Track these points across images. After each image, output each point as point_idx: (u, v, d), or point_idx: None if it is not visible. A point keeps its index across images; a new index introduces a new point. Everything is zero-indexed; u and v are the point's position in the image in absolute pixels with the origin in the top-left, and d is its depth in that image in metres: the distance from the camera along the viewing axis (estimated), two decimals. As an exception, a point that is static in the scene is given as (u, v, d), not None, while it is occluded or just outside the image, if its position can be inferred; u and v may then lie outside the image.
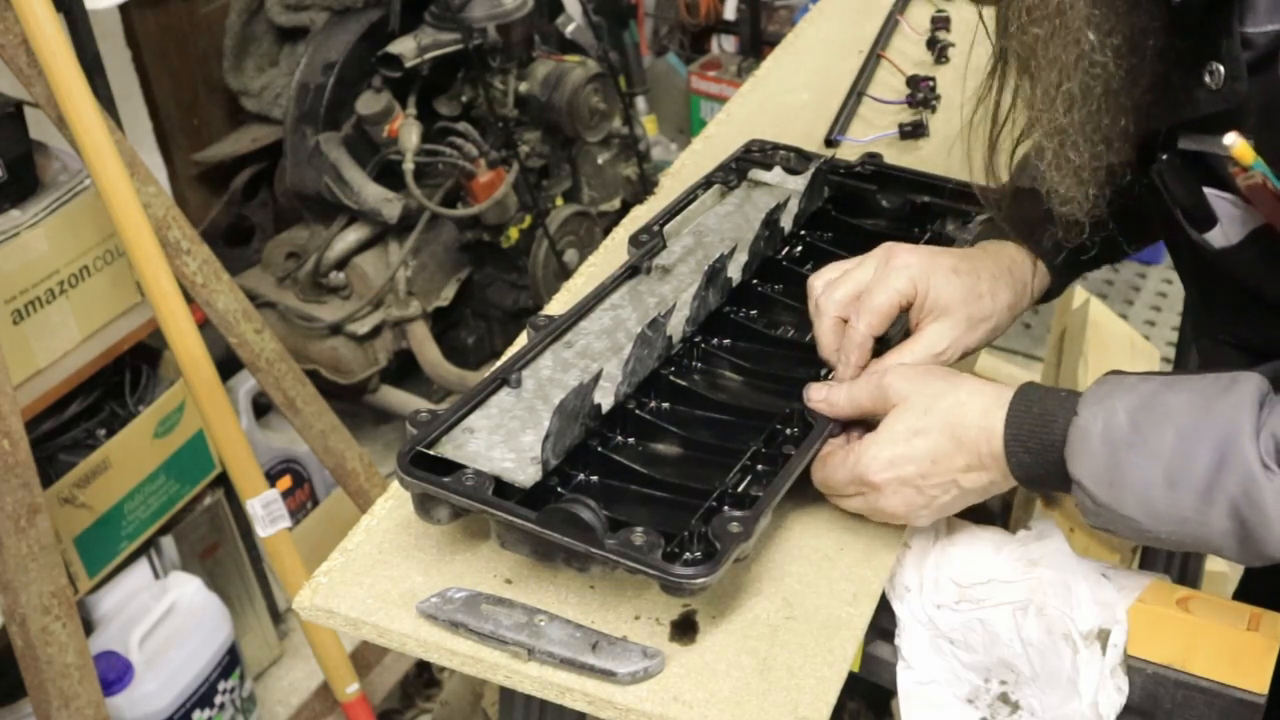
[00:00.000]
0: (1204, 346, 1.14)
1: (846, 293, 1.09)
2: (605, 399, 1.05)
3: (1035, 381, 0.97)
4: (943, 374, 1.01)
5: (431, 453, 0.98)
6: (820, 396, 1.05)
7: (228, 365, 2.12)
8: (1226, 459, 0.84)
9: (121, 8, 2.51)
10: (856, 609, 0.95)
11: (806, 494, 1.05)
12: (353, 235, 2.68)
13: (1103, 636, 0.94)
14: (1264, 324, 1.02)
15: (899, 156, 1.48)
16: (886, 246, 1.11)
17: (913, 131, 1.55)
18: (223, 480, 2.26)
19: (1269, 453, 0.83)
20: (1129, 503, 0.88)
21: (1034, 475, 0.94)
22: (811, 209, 1.36)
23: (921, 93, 1.60)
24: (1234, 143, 0.84)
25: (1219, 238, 0.96)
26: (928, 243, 1.31)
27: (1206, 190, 0.94)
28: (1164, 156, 0.96)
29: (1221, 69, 0.87)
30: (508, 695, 1.03)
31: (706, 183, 1.37)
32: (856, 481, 0.99)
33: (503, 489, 0.96)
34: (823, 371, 1.12)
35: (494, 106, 2.67)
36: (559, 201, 2.90)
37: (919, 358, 1.06)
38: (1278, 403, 0.86)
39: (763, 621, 0.94)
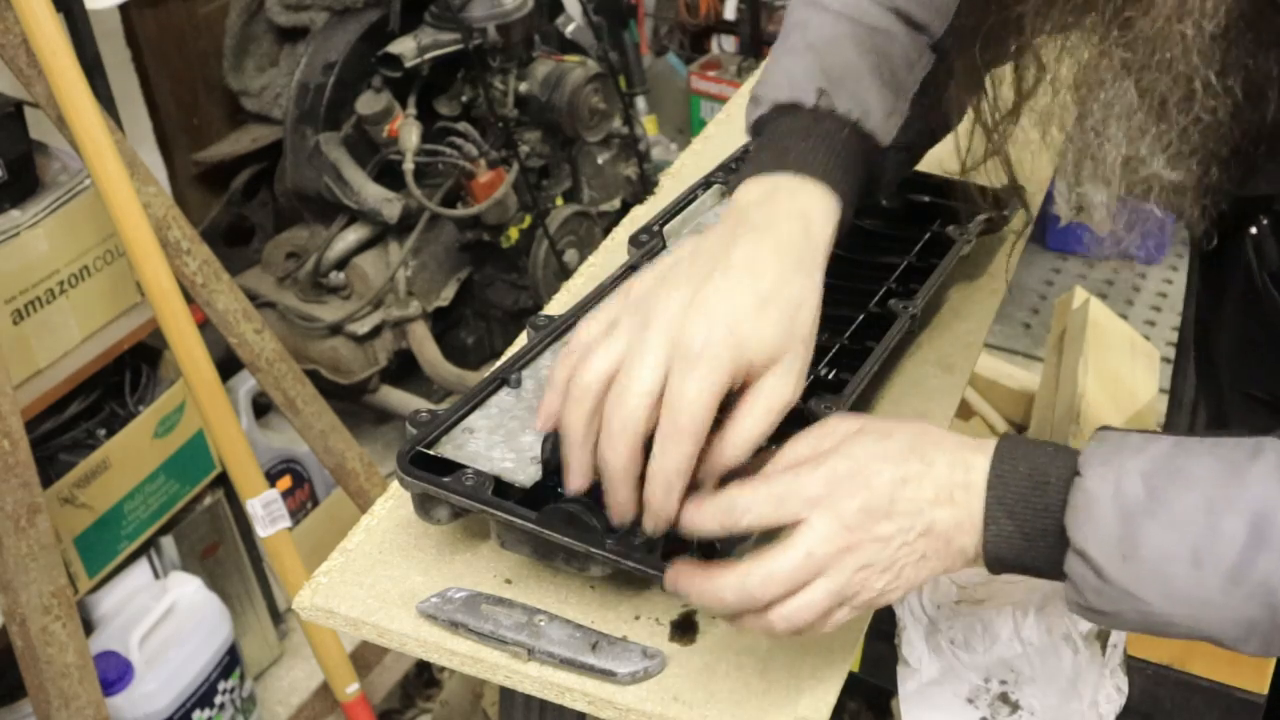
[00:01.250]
0: (1233, 399, 1.03)
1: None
2: (605, 399, 1.05)
3: (1014, 435, 0.81)
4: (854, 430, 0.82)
5: (431, 453, 0.98)
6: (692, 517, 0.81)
7: (228, 365, 2.12)
8: (1264, 537, 0.71)
9: (121, 8, 2.51)
10: (856, 609, 0.95)
11: (806, 494, 1.05)
12: (353, 235, 2.68)
13: (1103, 636, 0.95)
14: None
15: (899, 156, 1.48)
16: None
17: (913, 131, 1.54)
18: (223, 480, 2.26)
19: None
20: (1145, 581, 0.74)
21: (1012, 549, 0.78)
22: (811, 209, 1.35)
23: (921, 93, 1.60)
24: None
25: None
26: (927, 243, 1.31)
27: None
28: (1265, 221, 0.89)
29: None
30: (508, 695, 1.03)
31: (706, 183, 1.37)
32: (743, 598, 0.78)
33: (503, 489, 0.95)
34: (820, 371, 1.12)
35: (494, 106, 2.67)
36: (559, 201, 2.90)
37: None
38: None
39: (763, 621, 0.94)
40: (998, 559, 0.79)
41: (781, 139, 0.90)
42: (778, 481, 0.79)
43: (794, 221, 0.87)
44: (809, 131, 0.90)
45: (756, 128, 0.94)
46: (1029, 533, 0.78)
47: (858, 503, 0.77)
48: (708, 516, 0.80)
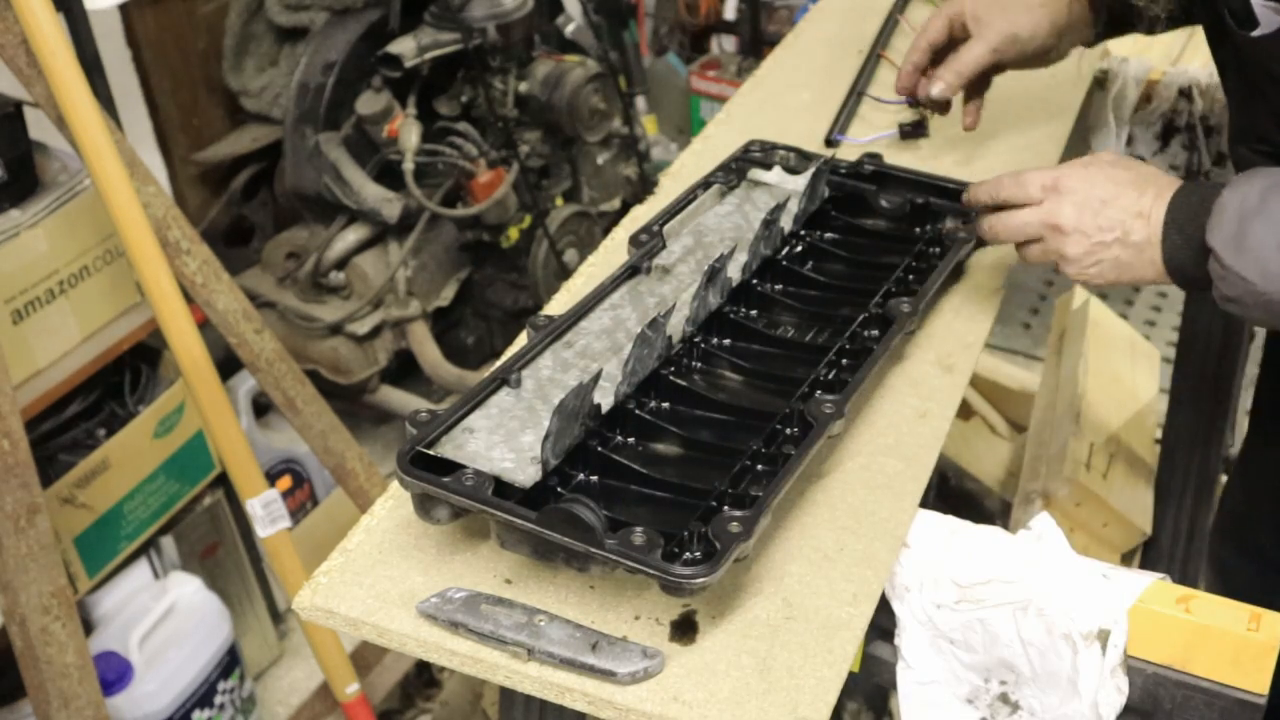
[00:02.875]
0: (1240, 154, 1.23)
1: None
2: (605, 399, 1.05)
3: (1205, 184, 1.10)
4: (1117, 160, 1.15)
5: (431, 453, 0.98)
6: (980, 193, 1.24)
7: (228, 365, 2.12)
8: None
9: (121, 8, 2.51)
10: (856, 609, 0.95)
11: (806, 494, 1.05)
12: (353, 235, 2.68)
13: (1103, 636, 0.94)
14: None
15: (899, 156, 1.48)
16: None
17: (913, 131, 1.55)
18: (223, 480, 2.26)
19: None
20: (1249, 265, 1.01)
21: (1180, 256, 1.08)
22: (811, 209, 1.36)
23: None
24: None
25: (1259, 31, 1.08)
26: (927, 243, 1.31)
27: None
28: None
29: None
30: (508, 695, 1.03)
31: (706, 183, 1.37)
32: (1046, 223, 1.15)
33: (503, 489, 0.96)
34: (821, 372, 1.12)
35: (494, 106, 2.67)
36: (559, 201, 2.90)
37: (990, 40, 1.34)
38: None
39: (763, 621, 0.94)
40: (1177, 268, 1.10)
41: None
42: (1027, 176, 1.18)
43: None
44: None
45: None
46: (1191, 242, 1.07)
47: (1077, 198, 1.13)
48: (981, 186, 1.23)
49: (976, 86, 1.42)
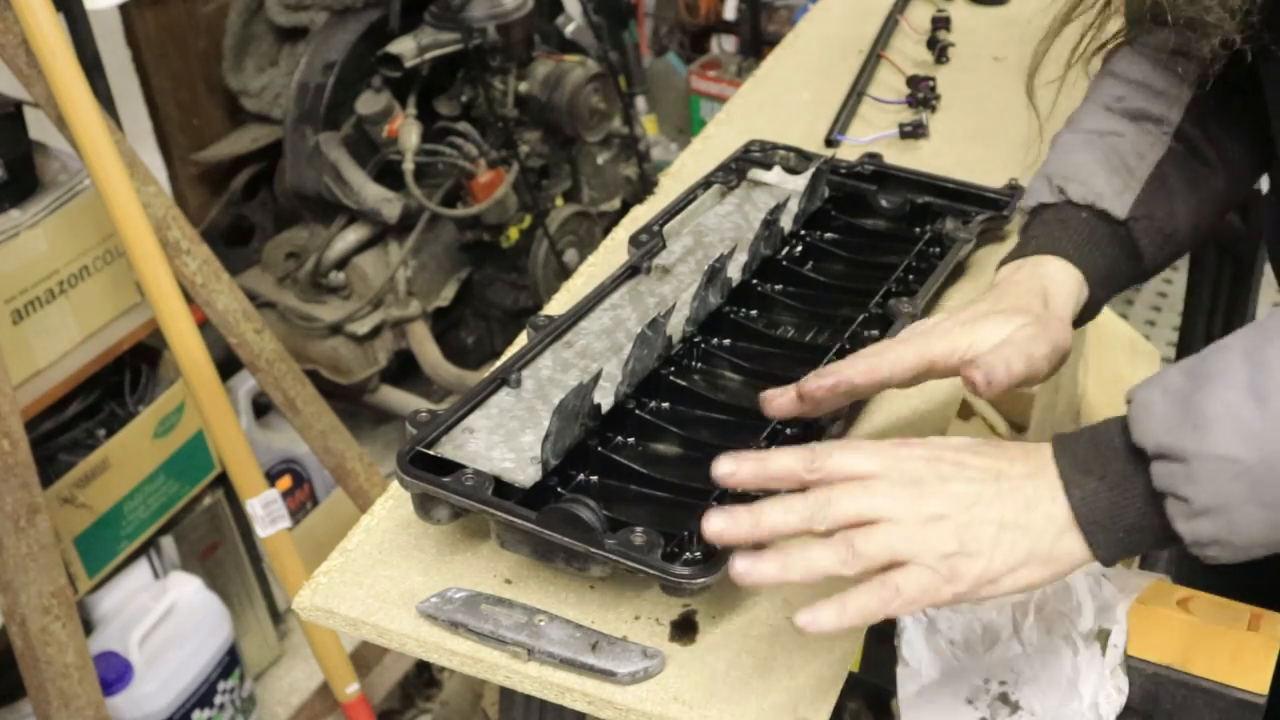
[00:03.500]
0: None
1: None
2: (605, 399, 1.05)
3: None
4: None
5: (431, 453, 0.98)
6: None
7: (228, 365, 2.11)
8: None
9: (121, 8, 2.51)
10: (856, 609, 0.95)
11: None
12: (353, 235, 2.68)
13: (1103, 636, 0.94)
14: None
15: (899, 156, 1.48)
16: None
17: (913, 131, 1.55)
18: (223, 480, 2.26)
19: None
20: (1221, 439, 0.74)
21: (1103, 505, 0.79)
22: (811, 209, 1.36)
23: (921, 93, 1.60)
24: None
25: None
26: (927, 243, 1.31)
27: None
28: None
29: None
30: (508, 695, 1.03)
31: (706, 183, 1.37)
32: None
33: (503, 489, 0.96)
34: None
35: (494, 106, 2.67)
36: (559, 201, 2.90)
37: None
38: None
39: (763, 621, 0.94)
40: (1095, 523, 0.79)
41: (1032, 229, 1.08)
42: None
43: (1034, 296, 1.00)
44: (1052, 220, 1.07)
45: (1024, 228, 1.11)
46: (1110, 478, 0.79)
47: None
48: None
49: None
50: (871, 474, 0.80)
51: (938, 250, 1.31)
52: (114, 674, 2.02)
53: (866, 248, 1.33)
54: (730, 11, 3.81)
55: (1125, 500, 0.79)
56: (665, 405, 1.11)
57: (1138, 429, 0.78)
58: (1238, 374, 0.75)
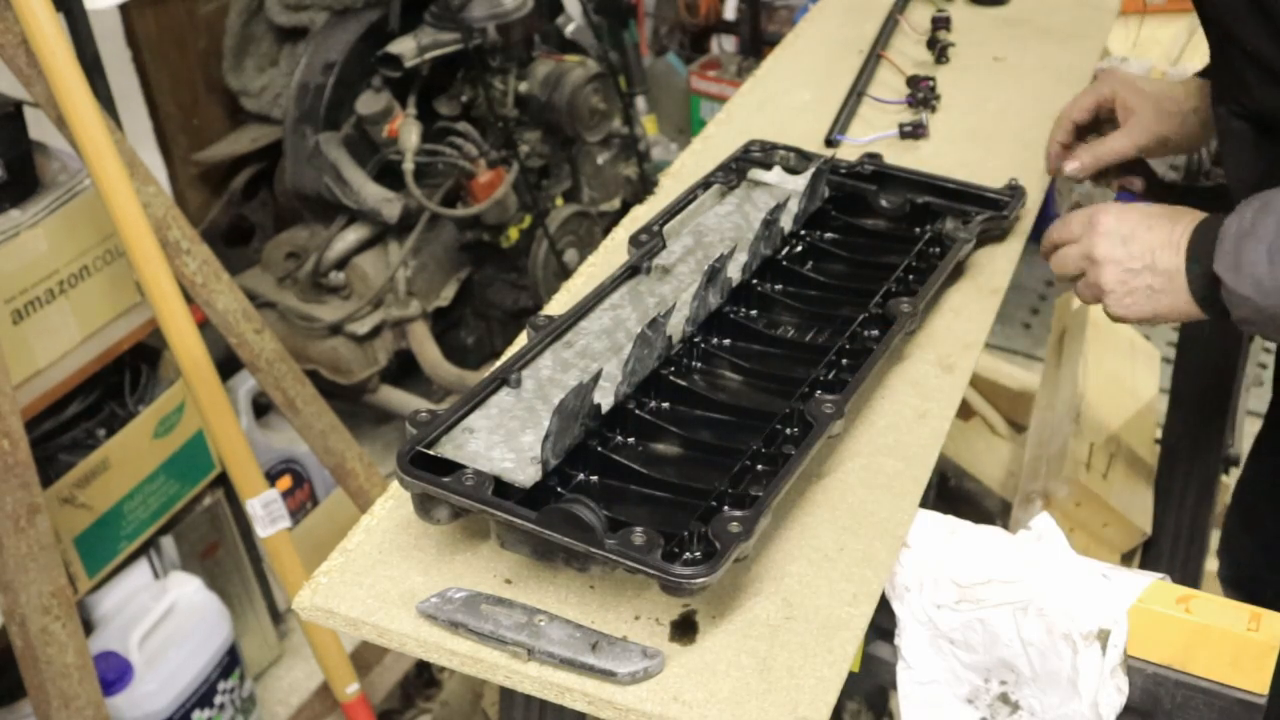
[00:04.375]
0: (1219, 114, 1.29)
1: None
2: (605, 399, 1.05)
3: (1215, 216, 1.15)
4: (1142, 212, 1.21)
5: (431, 453, 0.98)
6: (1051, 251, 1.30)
7: (228, 365, 2.11)
8: None
9: (121, 8, 2.51)
10: (856, 609, 0.95)
11: (806, 494, 1.05)
12: (353, 235, 2.68)
13: (1103, 636, 0.94)
14: (1262, 94, 1.19)
15: (899, 156, 1.48)
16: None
17: (913, 131, 1.55)
18: (223, 480, 2.26)
19: None
20: (1246, 283, 1.08)
21: (1202, 285, 1.14)
22: (811, 209, 1.36)
23: (921, 93, 1.60)
24: None
25: None
26: (927, 243, 1.32)
27: None
28: None
29: None
30: (508, 695, 1.03)
31: (706, 183, 1.37)
32: (1085, 257, 1.22)
33: (503, 489, 0.95)
34: (821, 372, 1.12)
35: (494, 106, 2.67)
36: (559, 201, 2.90)
37: (1138, 140, 1.38)
38: None
39: (763, 621, 0.94)
40: (1203, 298, 1.15)
41: None
42: (1070, 216, 1.27)
43: None
44: None
45: None
46: (1207, 272, 1.13)
47: (1109, 230, 1.21)
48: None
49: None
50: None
51: (938, 250, 1.31)
52: (114, 674, 2.02)
53: (866, 248, 1.34)
54: (730, 11, 3.81)
55: (1210, 287, 1.14)
56: (665, 405, 1.11)
57: (1216, 253, 1.11)
58: (1267, 236, 1.07)
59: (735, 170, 1.39)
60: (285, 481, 2.55)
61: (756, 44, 3.68)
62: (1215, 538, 2.25)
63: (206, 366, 1.84)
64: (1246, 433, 2.20)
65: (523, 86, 2.71)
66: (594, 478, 1.02)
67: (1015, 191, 1.38)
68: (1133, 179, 1.50)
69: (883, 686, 1.02)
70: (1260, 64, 1.17)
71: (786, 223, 1.31)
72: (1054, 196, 1.63)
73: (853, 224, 1.37)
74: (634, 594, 0.95)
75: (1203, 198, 1.48)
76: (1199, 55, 1.89)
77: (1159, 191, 1.53)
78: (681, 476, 1.01)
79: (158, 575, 2.21)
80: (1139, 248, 1.19)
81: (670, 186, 1.46)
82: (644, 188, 2.98)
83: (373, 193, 2.59)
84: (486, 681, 0.96)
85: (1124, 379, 2.29)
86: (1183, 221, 1.17)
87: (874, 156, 1.42)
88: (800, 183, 1.36)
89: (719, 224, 1.31)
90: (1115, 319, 1.23)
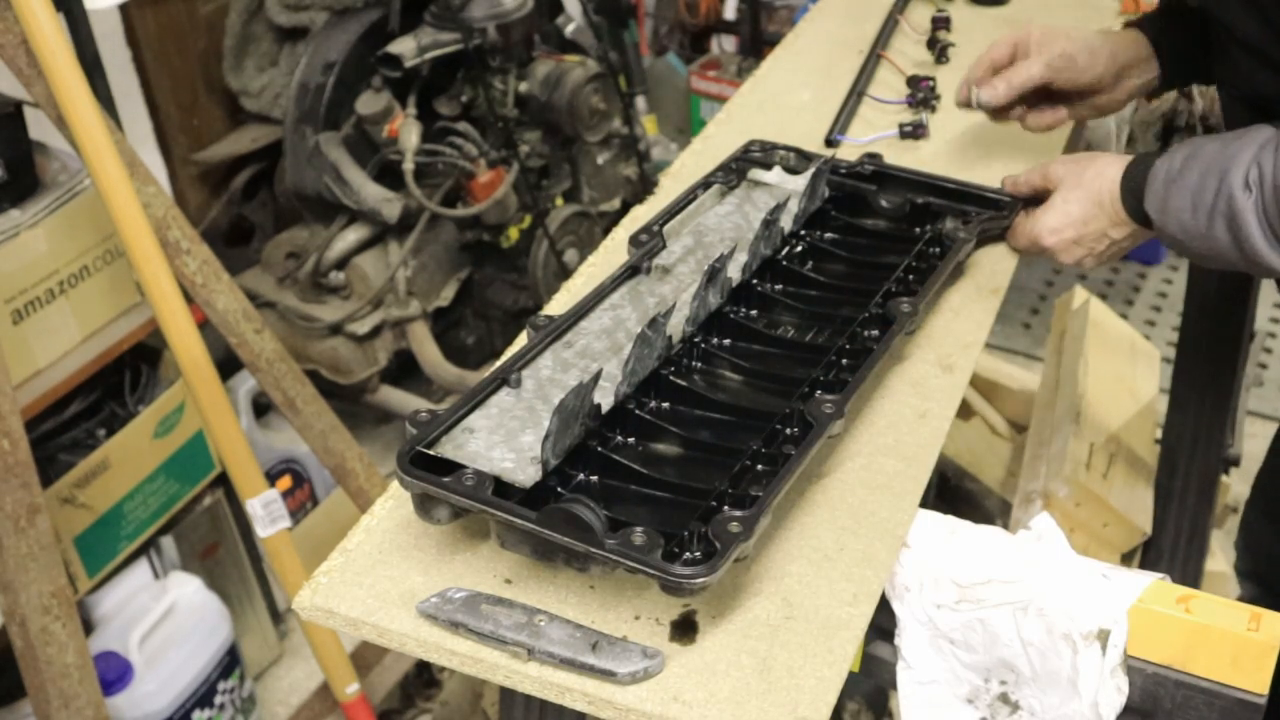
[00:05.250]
0: (1222, 97, 1.37)
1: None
2: (605, 399, 1.05)
3: (1148, 153, 1.24)
4: (1090, 156, 1.30)
5: (431, 453, 0.98)
6: (1009, 181, 1.37)
7: (228, 365, 2.12)
8: (1222, 185, 1.12)
9: (121, 8, 2.51)
10: (856, 609, 0.95)
11: (806, 494, 1.05)
12: (353, 235, 2.68)
13: (1103, 636, 0.94)
14: (1253, 78, 1.24)
15: (899, 156, 1.48)
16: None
17: (913, 131, 1.55)
18: (223, 480, 2.26)
19: (1253, 179, 1.10)
20: (1172, 226, 1.18)
21: (1141, 219, 1.23)
22: (811, 209, 1.36)
23: (921, 93, 1.60)
24: None
25: None
26: (927, 243, 1.32)
27: None
28: None
29: None
30: (508, 695, 1.03)
31: (706, 183, 1.37)
32: (1033, 245, 1.31)
33: (503, 489, 0.95)
34: (821, 372, 1.12)
35: (494, 106, 2.67)
36: (559, 201, 2.90)
37: (1047, 56, 1.38)
38: (1275, 143, 1.10)
39: (763, 621, 0.94)
40: (1139, 221, 1.24)
41: None
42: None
43: None
44: None
45: None
46: (1139, 206, 1.22)
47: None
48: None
49: (1040, 99, 1.44)
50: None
51: (938, 250, 1.31)
52: (114, 674, 2.02)
53: (866, 248, 1.34)
54: (730, 11, 3.81)
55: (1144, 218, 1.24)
56: (665, 405, 1.11)
57: (1145, 194, 1.21)
58: (1191, 185, 1.15)
59: (735, 170, 1.39)
60: (285, 481, 2.55)
61: (756, 44, 3.68)
62: (1215, 538, 2.26)
63: (206, 366, 1.84)
64: (1246, 433, 2.20)
65: (523, 86, 2.71)
66: (594, 478, 1.02)
67: (1014, 201, 1.38)
68: (1048, 111, 1.45)
69: (883, 686, 1.02)
70: (1250, 50, 1.22)
71: (786, 223, 1.31)
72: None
73: (853, 224, 1.37)
74: (634, 594, 0.95)
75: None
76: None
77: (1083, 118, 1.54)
78: (681, 476, 1.01)
79: (158, 575, 2.21)
80: (1091, 239, 1.28)
81: (670, 186, 1.46)
82: (644, 188, 2.98)
83: (373, 193, 2.59)
84: (486, 681, 0.96)
85: (1124, 379, 2.29)
86: (1105, 199, 1.26)
87: (874, 156, 1.42)
88: (800, 183, 1.36)
89: (719, 224, 1.31)
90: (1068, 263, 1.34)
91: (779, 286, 1.27)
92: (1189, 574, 2.08)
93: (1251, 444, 2.57)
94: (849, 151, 1.49)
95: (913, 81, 1.62)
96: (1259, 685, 0.92)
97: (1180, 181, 1.16)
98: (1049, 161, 1.33)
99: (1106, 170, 1.26)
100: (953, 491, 2.38)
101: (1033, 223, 1.31)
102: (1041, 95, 1.42)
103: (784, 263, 1.29)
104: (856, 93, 1.63)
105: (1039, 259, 1.36)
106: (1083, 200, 1.27)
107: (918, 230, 1.35)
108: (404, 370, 2.85)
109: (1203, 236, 1.15)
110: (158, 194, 1.81)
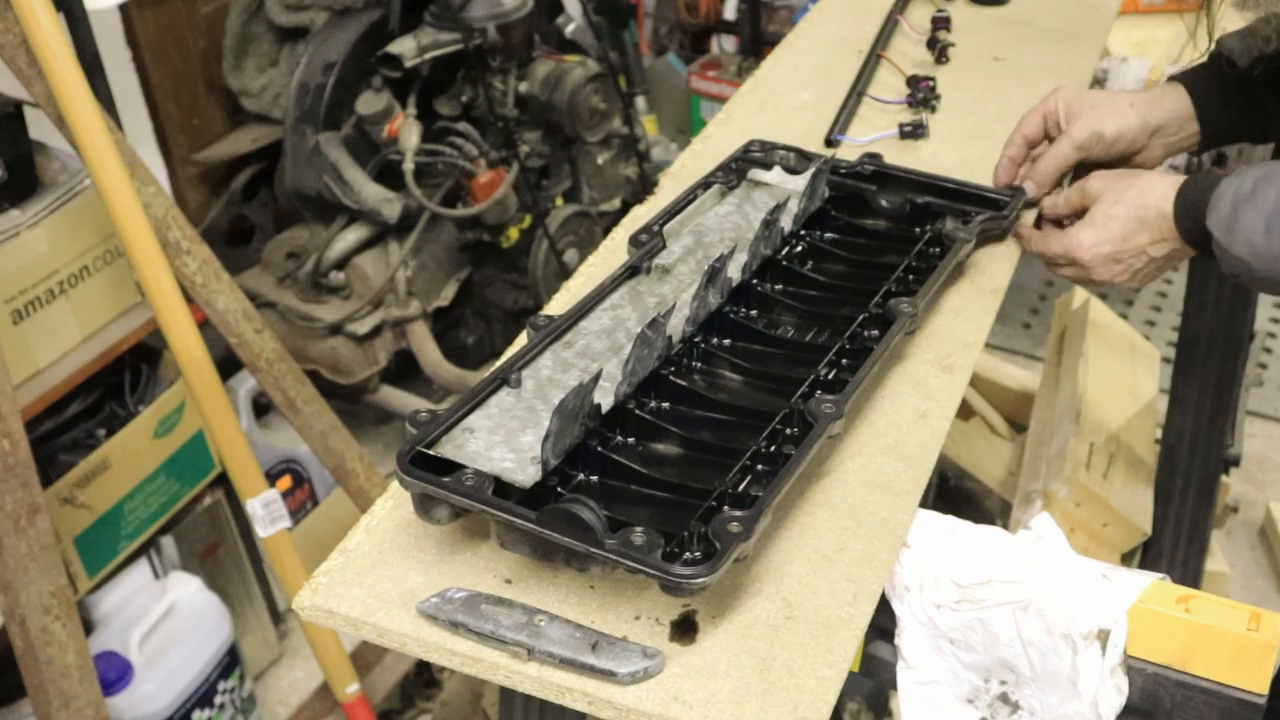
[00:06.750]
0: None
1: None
2: (605, 399, 1.05)
3: (1207, 172, 1.26)
4: (1132, 174, 1.30)
5: (431, 453, 0.98)
6: (1049, 203, 1.38)
7: (228, 365, 2.12)
8: None
9: (121, 8, 2.51)
10: (856, 609, 0.95)
11: (806, 494, 1.05)
12: (353, 235, 2.68)
13: (1103, 636, 0.95)
14: None
15: (899, 156, 1.48)
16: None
17: (913, 131, 1.55)
18: (223, 480, 2.26)
19: None
20: (1239, 246, 1.17)
21: (1194, 237, 1.23)
22: (811, 209, 1.36)
23: (921, 93, 1.60)
24: None
25: None
26: (927, 243, 1.32)
27: None
28: None
29: None
30: (508, 695, 1.03)
31: (706, 183, 1.37)
32: (1067, 258, 1.31)
33: (503, 489, 0.95)
34: (821, 372, 1.12)
35: (494, 106, 2.67)
36: (559, 201, 2.90)
37: (1076, 138, 1.37)
38: None
39: (763, 621, 0.94)
40: (1190, 242, 1.24)
41: None
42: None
43: None
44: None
45: None
46: (1197, 226, 1.21)
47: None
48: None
49: (1080, 170, 1.45)
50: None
51: (938, 250, 1.31)
52: (114, 674, 2.02)
53: (866, 248, 1.34)
54: (730, 11, 3.81)
55: (1200, 236, 1.23)
56: (665, 405, 1.11)
57: (1208, 213, 1.20)
58: (1266, 207, 1.15)
59: (735, 170, 1.39)
60: (285, 481, 2.55)
61: (756, 44, 3.68)
62: (1215, 538, 2.26)
63: (206, 366, 1.84)
64: (1246, 433, 2.20)
65: (523, 86, 2.71)
66: (594, 478, 1.02)
67: (1015, 191, 1.38)
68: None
69: (883, 686, 1.02)
70: None
71: (786, 223, 1.31)
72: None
73: (853, 224, 1.37)
74: (634, 594, 0.95)
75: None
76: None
77: None
78: (681, 476, 1.01)
79: (158, 575, 2.21)
80: (1129, 255, 1.27)
81: (670, 186, 1.46)
82: (644, 188, 2.98)
83: (373, 193, 2.59)
84: (486, 681, 0.96)
85: (1124, 379, 2.29)
86: (1149, 216, 1.25)
87: (874, 156, 1.42)
88: (800, 183, 1.36)
89: (719, 224, 1.31)
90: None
91: (779, 286, 1.27)
92: (1189, 574, 2.08)
93: (1251, 444, 2.57)
94: (849, 151, 1.49)
95: (913, 81, 1.62)
96: (1259, 685, 0.92)
97: (1253, 202, 1.15)
98: (1086, 178, 1.32)
99: (1153, 188, 1.26)
100: (953, 491, 2.38)
101: (1068, 237, 1.30)
102: (1080, 166, 1.42)
103: (784, 263, 1.29)
104: (856, 93, 1.63)
105: (1038, 259, 1.35)
106: (1124, 217, 1.26)
107: (917, 230, 1.34)
108: (404, 370, 2.85)
109: (1277, 259, 1.15)
110: (158, 194, 1.81)
